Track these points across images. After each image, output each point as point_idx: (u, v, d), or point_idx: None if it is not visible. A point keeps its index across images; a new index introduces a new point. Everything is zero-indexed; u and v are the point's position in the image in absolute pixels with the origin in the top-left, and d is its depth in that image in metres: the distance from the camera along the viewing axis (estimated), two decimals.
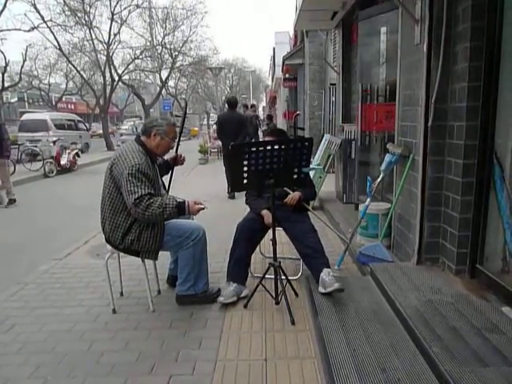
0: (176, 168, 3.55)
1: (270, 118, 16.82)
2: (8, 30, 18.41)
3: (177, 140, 3.48)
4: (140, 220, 2.80)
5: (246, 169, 2.73)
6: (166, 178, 3.40)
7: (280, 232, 3.22)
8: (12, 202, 7.61)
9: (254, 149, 2.69)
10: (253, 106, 16.02)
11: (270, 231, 2.97)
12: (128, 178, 2.70)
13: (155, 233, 2.88)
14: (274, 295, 2.98)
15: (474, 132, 2.84)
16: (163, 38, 22.96)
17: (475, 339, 2.25)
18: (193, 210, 2.88)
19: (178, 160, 3.44)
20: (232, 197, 6.79)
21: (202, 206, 2.92)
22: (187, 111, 4.05)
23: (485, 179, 2.86)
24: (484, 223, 2.92)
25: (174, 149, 3.38)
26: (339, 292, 2.94)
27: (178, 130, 3.63)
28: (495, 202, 2.84)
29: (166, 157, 3.37)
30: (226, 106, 7.98)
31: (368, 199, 3.79)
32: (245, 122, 7.72)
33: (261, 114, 41.01)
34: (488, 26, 2.71)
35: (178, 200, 2.86)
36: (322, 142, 6.38)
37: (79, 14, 18.30)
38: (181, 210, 2.82)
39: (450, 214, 3.09)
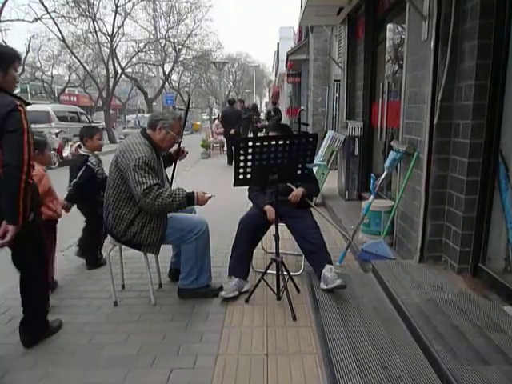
0: (178, 162, 3.54)
1: (276, 111, 16.34)
2: (11, 20, 18.37)
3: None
4: (149, 211, 2.79)
5: (250, 163, 2.71)
6: (168, 171, 3.39)
7: (282, 228, 3.21)
8: None
9: (258, 144, 2.68)
10: (274, 103, 19.26)
11: (273, 227, 2.96)
12: (135, 170, 2.70)
13: (158, 227, 2.87)
14: (275, 291, 2.98)
15: (479, 130, 2.82)
16: (167, 32, 22.95)
17: (477, 338, 2.24)
18: (202, 200, 2.91)
19: (180, 153, 3.44)
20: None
21: (210, 195, 2.96)
22: (190, 105, 4.07)
23: (489, 178, 2.85)
24: (487, 222, 2.92)
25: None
26: (341, 288, 2.93)
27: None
28: (499, 201, 2.83)
29: (171, 150, 3.37)
30: (227, 103, 12.12)
31: (371, 196, 3.78)
32: (241, 114, 11.23)
33: (263, 108, 40.93)
34: (496, 24, 2.69)
35: (187, 191, 2.88)
36: (326, 138, 6.37)
37: (83, 6, 18.26)
38: (190, 199, 2.84)
39: (453, 213, 3.08)
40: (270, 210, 3.20)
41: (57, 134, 12.02)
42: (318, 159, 5.91)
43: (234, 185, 2.84)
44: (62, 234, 4.96)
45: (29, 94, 33.17)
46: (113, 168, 2.87)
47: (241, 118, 10.99)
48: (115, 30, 19.44)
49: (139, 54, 22.55)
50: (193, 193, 2.88)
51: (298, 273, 3.46)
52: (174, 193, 2.77)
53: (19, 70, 2.58)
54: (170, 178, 3.36)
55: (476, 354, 2.11)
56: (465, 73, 2.89)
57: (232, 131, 10.51)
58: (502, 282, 2.71)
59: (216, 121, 15.90)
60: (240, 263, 3.18)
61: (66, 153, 11.94)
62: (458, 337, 2.26)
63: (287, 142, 2.72)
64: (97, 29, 19.04)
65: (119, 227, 2.86)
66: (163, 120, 2.94)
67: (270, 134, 3.45)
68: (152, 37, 22.33)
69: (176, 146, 3.39)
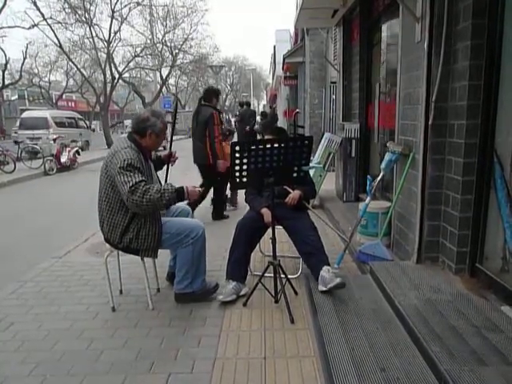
0: (176, 166, 3.55)
1: (264, 115, 16.94)
2: (8, 27, 18.41)
3: (169, 138, 3.52)
4: (139, 211, 2.76)
5: (245, 167, 2.72)
6: (161, 175, 3.41)
7: (280, 230, 3.21)
8: None
9: (254, 147, 2.68)
10: (271, 106, 20.61)
11: (270, 229, 2.96)
12: (120, 171, 2.70)
13: (154, 231, 2.87)
14: (273, 294, 2.98)
15: (474, 130, 2.83)
16: (164, 36, 22.94)
17: (474, 338, 2.24)
18: (193, 194, 2.85)
19: (171, 157, 3.45)
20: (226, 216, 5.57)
21: (199, 189, 2.92)
22: (182, 108, 4.25)
23: (485, 178, 2.86)
24: (484, 222, 2.92)
25: (168, 146, 3.43)
26: (340, 287, 2.92)
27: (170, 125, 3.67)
28: (495, 200, 2.83)
29: (161, 154, 3.42)
30: (245, 105, 14.28)
31: (368, 198, 3.78)
32: (254, 114, 13.72)
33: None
34: (489, 24, 2.70)
35: (176, 186, 2.82)
36: (323, 140, 6.38)
37: (79, 12, 18.24)
38: (180, 194, 2.78)
39: (450, 213, 3.08)
40: (266, 213, 3.20)
41: (55, 140, 11.98)
42: (314, 161, 5.92)
43: (231, 188, 2.84)
44: (57, 238, 4.99)
45: (26, 101, 33.23)
46: (103, 175, 2.86)
47: (253, 117, 13.47)
48: (112, 35, 19.41)
49: (136, 58, 22.53)
50: (182, 187, 2.81)
51: (296, 275, 3.45)
52: (163, 188, 2.72)
53: (219, 100, 5.09)
54: (164, 182, 3.36)
55: (473, 354, 2.10)
56: (458, 73, 2.90)
57: (247, 128, 12.68)
58: (500, 282, 2.71)
59: None
60: (238, 266, 3.18)
61: (63, 158, 11.92)
62: (455, 337, 2.26)
63: (283, 145, 2.73)
64: (93, 34, 19.04)
65: (115, 234, 2.86)
66: (152, 126, 2.91)
67: (266, 137, 3.45)
68: (149, 41, 22.34)
69: (167, 150, 3.42)
